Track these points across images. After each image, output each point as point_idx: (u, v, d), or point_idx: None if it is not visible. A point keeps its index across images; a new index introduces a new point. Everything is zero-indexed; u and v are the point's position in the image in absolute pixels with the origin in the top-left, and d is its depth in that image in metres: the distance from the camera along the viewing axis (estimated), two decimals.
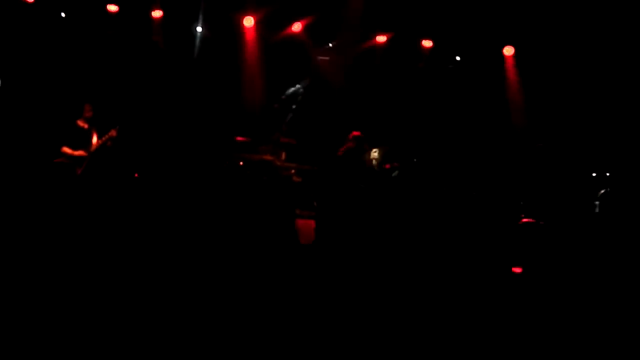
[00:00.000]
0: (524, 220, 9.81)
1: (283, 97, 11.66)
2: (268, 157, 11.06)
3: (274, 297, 6.01)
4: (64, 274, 6.03)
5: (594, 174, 10.80)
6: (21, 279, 5.68)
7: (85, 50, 11.47)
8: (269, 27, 11.98)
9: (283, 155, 11.20)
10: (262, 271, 6.90)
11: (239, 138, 11.07)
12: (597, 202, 10.35)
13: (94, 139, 9.76)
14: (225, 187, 10.83)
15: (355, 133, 9.75)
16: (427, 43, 12.12)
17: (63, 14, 11.31)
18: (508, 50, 11.97)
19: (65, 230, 7.77)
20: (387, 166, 10.49)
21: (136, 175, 10.66)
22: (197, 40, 12.15)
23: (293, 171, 11.17)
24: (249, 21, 11.80)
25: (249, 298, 5.87)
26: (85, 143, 9.71)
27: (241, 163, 11.09)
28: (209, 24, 12.04)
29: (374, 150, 10.37)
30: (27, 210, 8.30)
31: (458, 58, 12.35)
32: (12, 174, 9.67)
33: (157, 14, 11.58)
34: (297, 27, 11.86)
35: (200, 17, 11.92)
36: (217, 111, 12.13)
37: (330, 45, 12.37)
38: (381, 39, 12.18)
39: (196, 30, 12.06)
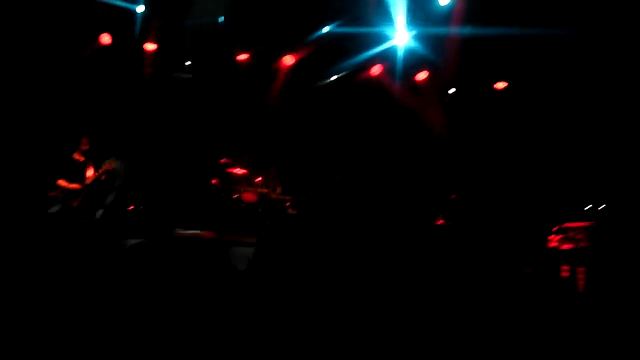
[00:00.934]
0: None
1: None
2: (263, 190, 11.13)
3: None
4: (60, 306, 6.02)
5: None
6: (18, 311, 5.67)
7: (82, 84, 11.54)
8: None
9: (278, 189, 11.25)
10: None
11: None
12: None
13: (90, 172, 9.78)
14: (220, 219, 10.89)
15: None
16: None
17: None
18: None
19: (62, 265, 7.75)
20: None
21: (131, 207, 10.70)
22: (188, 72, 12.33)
23: (288, 204, 11.22)
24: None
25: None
26: (81, 176, 9.73)
27: (236, 196, 11.15)
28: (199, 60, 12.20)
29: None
30: (22, 243, 8.30)
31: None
32: (8, 206, 9.67)
33: (150, 46, 11.69)
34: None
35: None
36: (212, 143, 12.20)
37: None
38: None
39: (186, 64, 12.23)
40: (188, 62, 12.28)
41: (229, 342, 5.44)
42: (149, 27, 11.54)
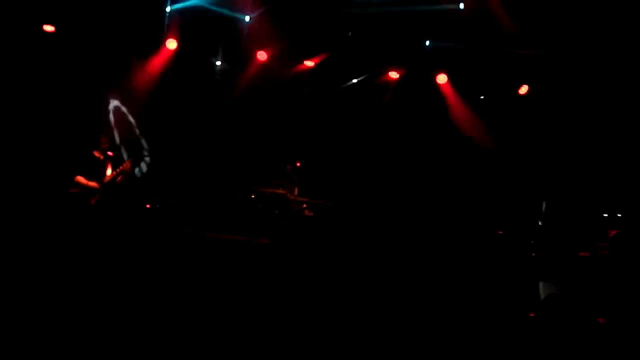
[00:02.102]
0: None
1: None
2: (280, 191, 11.17)
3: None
4: (74, 302, 6.14)
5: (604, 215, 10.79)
6: (32, 308, 5.79)
7: (107, 82, 11.69)
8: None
9: (296, 190, 11.29)
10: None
11: None
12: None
13: (108, 171, 9.90)
14: (237, 220, 10.98)
15: None
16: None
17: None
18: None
19: (76, 259, 7.89)
20: None
21: (148, 206, 10.82)
22: (215, 72, 12.38)
23: (305, 205, 11.25)
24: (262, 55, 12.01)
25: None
26: (100, 174, 9.85)
27: (253, 196, 11.22)
28: (227, 57, 12.24)
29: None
30: (40, 238, 8.46)
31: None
32: (28, 200, 9.86)
33: (172, 45, 11.71)
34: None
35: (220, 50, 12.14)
36: (230, 145, 12.28)
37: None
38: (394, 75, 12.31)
39: (214, 63, 12.28)
40: (218, 63, 12.32)
41: (237, 339, 5.52)
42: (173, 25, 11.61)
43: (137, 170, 10.82)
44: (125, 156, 11.45)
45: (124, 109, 11.96)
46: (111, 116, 11.88)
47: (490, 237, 10.46)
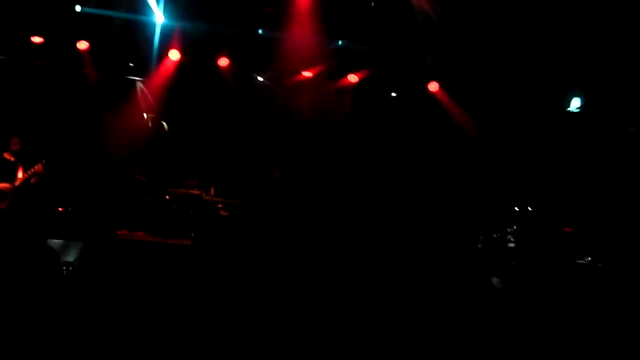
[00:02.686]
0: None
1: None
2: (195, 192, 11.21)
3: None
4: None
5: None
6: None
7: (13, 82, 11.41)
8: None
9: (212, 190, 11.33)
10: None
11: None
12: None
13: (20, 173, 9.72)
14: (150, 221, 10.94)
15: None
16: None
17: None
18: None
19: None
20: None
21: (60, 209, 10.66)
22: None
23: (220, 205, 11.33)
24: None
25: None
26: (10, 176, 9.67)
27: (167, 197, 11.22)
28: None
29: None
30: None
31: None
32: None
33: (82, 45, 11.45)
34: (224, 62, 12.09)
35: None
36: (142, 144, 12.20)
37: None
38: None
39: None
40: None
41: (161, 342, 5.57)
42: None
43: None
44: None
45: None
46: None
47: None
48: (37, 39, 11.17)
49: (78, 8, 10.84)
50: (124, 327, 5.91)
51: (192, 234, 10.54)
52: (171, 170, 11.52)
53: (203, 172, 11.51)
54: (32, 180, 9.70)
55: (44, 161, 9.75)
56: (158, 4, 11.03)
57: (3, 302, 6.22)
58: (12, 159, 9.78)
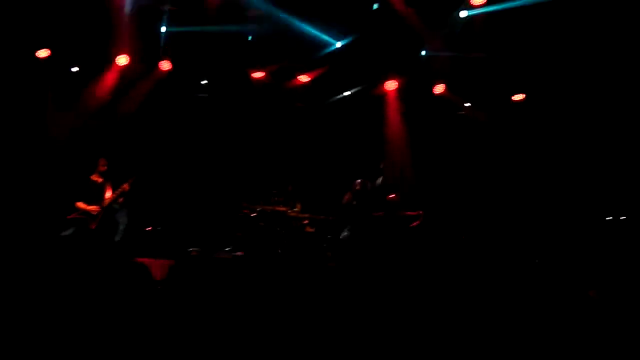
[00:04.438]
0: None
1: None
2: (281, 208, 11.06)
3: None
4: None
5: None
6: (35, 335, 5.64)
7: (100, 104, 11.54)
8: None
9: (298, 206, 11.17)
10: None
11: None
12: None
13: (108, 194, 9.75)
14: (239, 238, 10.86)
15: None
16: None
17: (74, 69, 11.39)
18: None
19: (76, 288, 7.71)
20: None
21: (149, 228, 10.68)
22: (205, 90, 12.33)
23: (306, 221, 11.13)
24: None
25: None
26: (99, 198, 9.71)
27: (254, 215, 11.10)
28: (217, 77, 12.17)
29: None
30: (42, 266, 8.27)
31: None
32: (26, 229, 9.67)
33: (165, 65, 11.57)
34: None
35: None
36: (230, 162, 12.17)
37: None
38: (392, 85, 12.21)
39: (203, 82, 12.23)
40: (204, 81, 12.25)
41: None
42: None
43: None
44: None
45: None
46: None
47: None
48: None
49: None
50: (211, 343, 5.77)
51: (279, 251, 10.38)
52: (257, 186, 11.40)
53: (284, 188, 11.34)
54: (120, 200, 9.74)
55: (131, 180, 9.78)
56: None
57: (97, 319, 6.13)
58: (100, 180, 9.84)
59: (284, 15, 10.82)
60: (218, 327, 6.23)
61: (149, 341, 5.67)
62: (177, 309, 6.93)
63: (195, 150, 12.12)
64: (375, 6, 10.88)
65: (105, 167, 9.89)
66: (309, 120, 12.58)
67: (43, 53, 10.76)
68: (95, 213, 9.58)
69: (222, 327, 6.24)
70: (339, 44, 11.49)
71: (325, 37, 11.38)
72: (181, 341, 5.67)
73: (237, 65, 11.83)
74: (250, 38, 11.45)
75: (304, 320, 6.82)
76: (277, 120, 12.46)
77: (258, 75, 11.99)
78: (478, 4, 10.54)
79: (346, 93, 12.54)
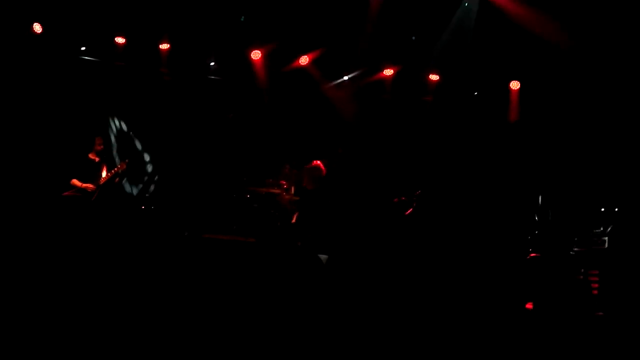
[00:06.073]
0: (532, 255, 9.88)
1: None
2: (275, 190, 11.09)
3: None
4: (73, 303, 6.09)
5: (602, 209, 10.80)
6: (35, 313, 5.73)
7: (96, 83, 11.54)
8: (277, 60, 12.07)
9: (292, 189, 11.20)
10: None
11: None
12: (605, 238, 10.32)
13: (104, 173, 9.83)
14: (232, 219, 10.92)
15: None
16: (433, 77, 12.22)
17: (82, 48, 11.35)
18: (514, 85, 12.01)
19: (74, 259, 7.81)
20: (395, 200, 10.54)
21: (142, 207, 10.75)
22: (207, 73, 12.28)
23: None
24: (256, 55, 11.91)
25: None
26: (95, 176, 9.78)
27: (248, 196, 11.16)
28: (219, 58, 12.13)
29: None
30: (37, 243, 8.37)
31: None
32: (22, 206, 9.75)
33: (164, 46, 11.48)
34: (304, 60, 11.94)
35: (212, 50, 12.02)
36: (225, 144, 12.21)
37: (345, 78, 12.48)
38: (388, 72, 12.26)
39: (208, 64, 12.19)
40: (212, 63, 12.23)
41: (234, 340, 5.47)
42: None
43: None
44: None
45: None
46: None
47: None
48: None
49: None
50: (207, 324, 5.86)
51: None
52: (252, 169, 11.44)
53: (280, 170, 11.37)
54: (117, 180, 9.81)
55: (127, 160, 9.84)
56: None
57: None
58: (97, 159, 9.91)
59: None
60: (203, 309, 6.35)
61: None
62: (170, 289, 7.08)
63: (191, 132, 12.14)
64: None
65: (102, 147, 9.95)
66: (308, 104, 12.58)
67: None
68: (90, 191, 9.65)
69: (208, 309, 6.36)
70: None
71: None
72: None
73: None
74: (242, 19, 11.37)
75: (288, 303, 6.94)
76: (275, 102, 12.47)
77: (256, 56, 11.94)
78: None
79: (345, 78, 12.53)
